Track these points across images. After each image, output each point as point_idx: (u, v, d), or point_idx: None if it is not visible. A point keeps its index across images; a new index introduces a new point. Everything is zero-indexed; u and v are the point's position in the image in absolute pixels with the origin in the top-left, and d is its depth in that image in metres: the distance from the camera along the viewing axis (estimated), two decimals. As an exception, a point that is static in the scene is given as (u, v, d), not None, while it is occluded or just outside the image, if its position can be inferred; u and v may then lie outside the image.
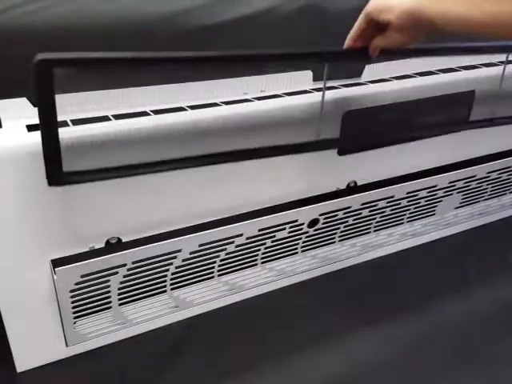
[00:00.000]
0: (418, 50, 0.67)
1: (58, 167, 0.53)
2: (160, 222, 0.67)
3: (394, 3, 0.54)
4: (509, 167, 0.97)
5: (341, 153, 0.77)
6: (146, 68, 0.55)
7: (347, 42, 0.61)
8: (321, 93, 0.73)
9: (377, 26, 0.57)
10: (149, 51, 0.68)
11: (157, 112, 0.63)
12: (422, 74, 0.82)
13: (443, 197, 0.91)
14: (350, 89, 0.75)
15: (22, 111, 0.62)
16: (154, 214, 0.66)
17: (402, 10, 0.53)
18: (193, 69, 0.57)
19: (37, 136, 0.55)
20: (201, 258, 0.71)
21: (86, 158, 0.56)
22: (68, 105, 0.52)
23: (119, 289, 0.66)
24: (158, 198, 0.65)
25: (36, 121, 0.58)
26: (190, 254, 0.69)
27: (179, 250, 0.67)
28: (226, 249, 0.72)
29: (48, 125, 0.50)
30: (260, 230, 0.73)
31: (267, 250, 0.77)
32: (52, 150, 0.51)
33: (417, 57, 0.73)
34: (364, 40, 0.60)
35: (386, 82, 0.79)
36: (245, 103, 0.68)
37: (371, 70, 0.81)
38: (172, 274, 0.70)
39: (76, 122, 0.57)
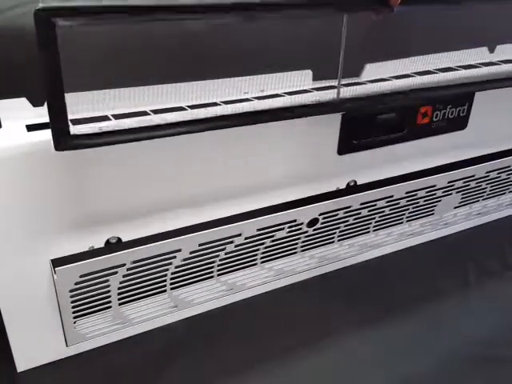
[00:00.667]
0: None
1: (64, 128, 0.50)
2: (160, 221, 0.67)
3: None
4: (508, 167, 0.97)
5: (340, 152, 0.77)
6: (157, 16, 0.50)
7: None
8: (321, 92, 0.73)
9: None
10: (149, 51, 0.68)
11: (156, 111, 0.63)
12: (421, 74, 0.82)
13: (442, 196, 0.91)
14: (349, 88, 0.75)
15: (22, 111, 0.62)
16: (154, 214, 0.66)
17: None
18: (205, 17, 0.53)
19: (36, 136, 0.56)
20: (200, 258, 0.71)
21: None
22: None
23: (119, 288, 0.66)
24: (159, 198, 0.65)
25: (35, 121, 0.59)
26: (190, 253, 0.69)
27: (179, 250, 0.68)
28: (225, 248, 0.72)
29: (53, 78, 0.47)
30: (259, 230, 0.73)
31: (266, 249, 0.77)
32: (58, 108, 0.49)
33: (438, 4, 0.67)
34: None
35: (385, 81, 0.79)
36: (245, 102, 0.68)
37: (370, 70, 0.81)
38: (172, 273, 0.70)
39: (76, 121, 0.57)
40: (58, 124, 0.49)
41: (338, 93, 0.67)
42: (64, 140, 0.50)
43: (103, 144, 0.54)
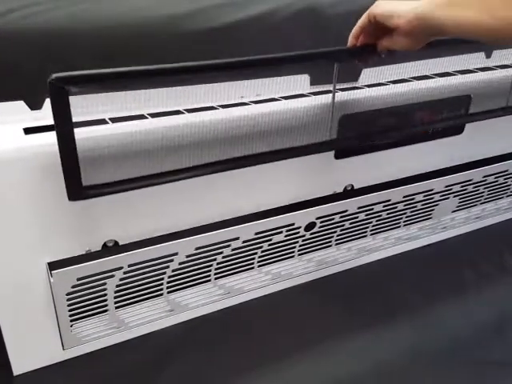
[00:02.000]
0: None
1: (77, 182, 0.53)
2: (157, 224, 0.67)
3: (404, 9, 0.54)
4: (505, 171, 0.97)
5: (338, 156, 0.77)
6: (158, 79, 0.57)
7: (350, 40, 0.62)
8: (319, 96, 0.73)
9: (383, 28, 0.57)
10: (150, 55, 0.68)
11: (154, 115, 0.63)
12: (418, 78, 0.83)
13: (440, 200, 0.91)
14: (346, 93, 0.76)
15: (20, 114, 0.62)
16: (151, 218, 0.66)
17: (414, 16, 0.53)
18: (203, 76, 0.59)
19: (34, 139, 0.56)
20: (197, 262, 0.71)
21: (102, 171, 0.57)
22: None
23: (115, 292, 0.66)
24: (157, 201, 0.65)
25: (33, 124, 0.59)
26: (187, 257, 0.69)
27: (176, 254, 0.68)
28: (222, 252, 0.72)
29: (66, 142, 0.51)
30: (256, 234, 0.74)
31: (264, 253, 0.77)
32: (71, 165, 0.52)
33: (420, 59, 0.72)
34: (366, 38, 0.60)
35: (382, 86, 0.79)
36: (242, 106, 0.68)
37: (368, 74, 0.82)
38: (168, 277, 0.70)
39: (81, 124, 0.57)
40: (72, 178, 0.53)
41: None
42: (77, 192, 0.54)
43: (112, 192, 0.57)
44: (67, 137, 0.50)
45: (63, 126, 0.50)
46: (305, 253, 0.82)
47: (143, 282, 0.68)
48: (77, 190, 0.53)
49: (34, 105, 0.63)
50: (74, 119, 0.51)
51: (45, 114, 0.63)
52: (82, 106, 0.53)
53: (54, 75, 0.49)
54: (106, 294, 0.66)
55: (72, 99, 0.50)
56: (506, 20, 0.46)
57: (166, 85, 0.65)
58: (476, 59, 0.94)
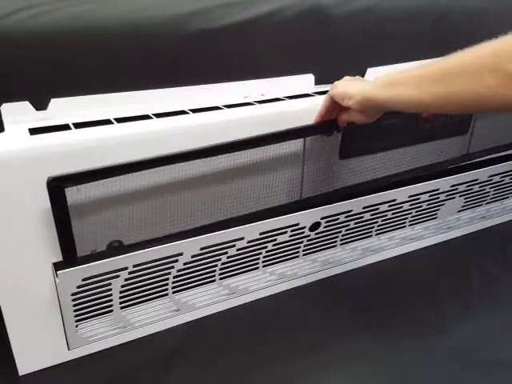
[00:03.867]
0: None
1: (72, 257, 0.61)
2: (162, 224, 0.67)
3: (354, 91, 0.62)
4: (511, 170, 0.97)
5: (342, 156, 0.77)
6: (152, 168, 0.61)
7: (317, 119, 0.70)
8: (323, 96, 0.73)
9: (341, 106, 0.65)
10: (152, 55, 0.68)
11: (159, 115, 0.63)
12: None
13: (445, 200, 0.91)
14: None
15: (25, 115, 0.62)
16: (155, 217, 0.66)
17: (361, 98, 0.61)
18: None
19: (39, 139, 0.56)
20: (202, 262, 0.71)
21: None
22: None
23: (121, 292, 0.66)
24: (161, 200, 0.65)
25: (38, 124, 0.59)
26: (192, 257, 0.69)
27: (181, 254, 0.68)
28: (227, 252, 0.72)
29: (64, 231, 0.58)
30: (261, 234, 0.73)
31: (268, 253, 0.77)
32: (68, 247, 0.60)
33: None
34: (331, 115, 0.69)
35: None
36: (247, 106, 0.68)
37: (372, 74, 0.81)
38: (173, 277, 0.70)
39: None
40: (68, 256, 0.61)
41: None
42: (72, 262, 0.61)
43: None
44: (65, 223, 0.58)
45: (61, 214, 0.57)
46: (310, 253, 0.82)
47: (148, 282, 0.68)
48: (72, 261, 0.61)
49: (39, 105, 0.64)
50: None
51: (50, 115, 0.63)
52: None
53: (51, 176, 0.55)
54: (111, 295, 0.66)
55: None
56: (436, 94, 0.52)
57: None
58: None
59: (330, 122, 0.69)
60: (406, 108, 0.59)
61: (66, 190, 0.56)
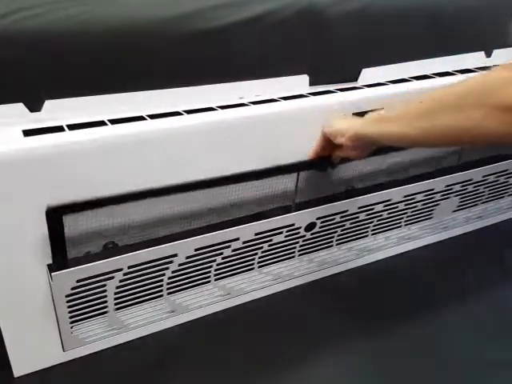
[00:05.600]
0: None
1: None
2: (156, 225, 0.67)
3: (345, 128, 0.65)
4: (506, 170, 0.97)
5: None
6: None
7: (311, 156, 0.73)
8: (318, 96, 0.73)
9: (334, 143, 0.69)
10: (147, 56, 0.68)
11: (153, 117, 0.63)
12: (418, 78, 0.82)
13: (440, 200, 0.91)
14: (346, 93, 0.76)
15: (19, 117, 0.62)
16: (149, 218, 0.66)
17: (353, 134, 0.64)
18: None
19: (33, 141, 0.56)
20: (197, 263, 0.71)
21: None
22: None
23: (115, 293, 0.66)
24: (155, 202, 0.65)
25: (32, 126, 0.59)
26: (186, 258, 0.69)
27: (175, 255, 0.68)
28: (222, 253, 0.72)
29: (59, 259, 0.61)
30: (256, 234, 0.73)
31: (264, 254, 0.77)
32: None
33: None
34: (325, 152, 0.72)
35: (382, 85, 0.79)
36: (241, 107, 0.68)
37: (367, 74, 0.81)
38: (168, 278, 0.70)
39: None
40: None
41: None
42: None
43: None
44: (60, 250, 0.60)
45: (58, 236, 0.59)
46: (305, 253, 0.82)
47: (143, 283, 0.68)
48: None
49: (34, 107, 0.63)
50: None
51: (44, 117, 0.63)
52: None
53: (48, 206, 0.57)
54: (105, 296, 0.66)
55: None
56: (423, 129, 0.54)
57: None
58: (476, 58, 0.94)
59: (324, 158, 0.73)
60: (395, 143, 0.63)
61: (63, 217, 0.58)
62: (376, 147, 0.68)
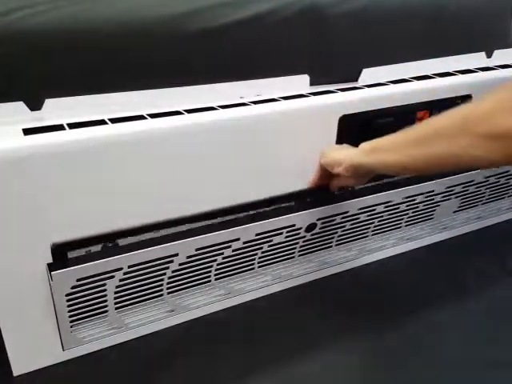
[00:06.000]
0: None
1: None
2: (156, 225, 0.67)
3: (342, 158, 0.67)
4: (506, 171, 0.97)
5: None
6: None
7: (310, 185, 0.76)
8: (318, 96, 0.73)
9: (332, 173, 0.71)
10: (147, 55, 0.68)
11: (153, 116, 0.63)
12: (418, 78, 0.82)
13: (441, 201, 0.91)
14: (346, 93, 0.76)
15: (19, 115, 0.62)
16: (150, 218, 0.66)
17: (349, 164, 0.66)
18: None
19: (33, 140, 0.56)
20: (198, 262, 0.71)
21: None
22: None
23: (115, 293, 0.66)
24: (155, 203, 0.65)
25: (32, 125, 0.59)
26: (187, 258, 0.69)
27: (176, 254, 0.67)
28: (223, 253, 0.72)
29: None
30: (257, 235, 0.73)
31: (264, 254, 0.77)
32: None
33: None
34: (323, 181, 0.75)
35: (382, 85, 0.79)
36: (241, 107, 0.68)
37: (368, 74, 0.81)
38: (169, 277, 0.70)
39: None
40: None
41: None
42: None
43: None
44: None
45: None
46: (305, 253, 0.82)
47: (143, 282, 0.68)
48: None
49: (34, 106, 0.63)
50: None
51: (44, 115, 0.63)
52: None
53: (53, 242, 0.59)
54: (105, 295, 0.66)
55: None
56: (415, 157, 0.57)
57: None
58: (477, 59, 0.94)
59: (323, 187, 0.75)
60: (390, 171, 0.66)
61: (68, 253, 0.62)
62: (373, 175, 0.71)
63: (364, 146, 0.65)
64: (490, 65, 0.89)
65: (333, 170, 0.69)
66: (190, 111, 0.65)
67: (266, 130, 0.69)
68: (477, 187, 0.94)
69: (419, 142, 0.57)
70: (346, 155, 0.67)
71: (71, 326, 0.66)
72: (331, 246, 0.84)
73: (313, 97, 0.73)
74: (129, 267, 0.65)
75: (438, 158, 0.55)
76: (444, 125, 0.54)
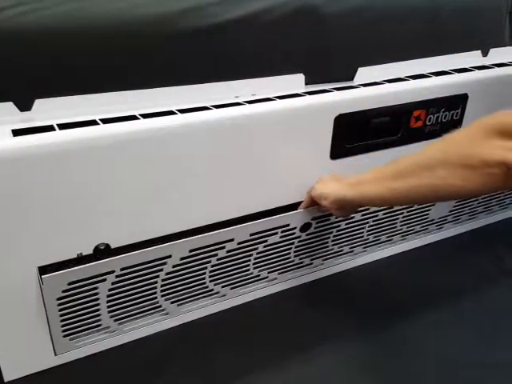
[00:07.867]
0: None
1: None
2: (150, 226, 0.66)
3: (328, 192, 0.70)
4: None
5: (333, 156, 0.76)
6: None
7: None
8: (314, 96, 0.72)
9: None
10: (141, 54, 0.67)
11: (146, 116, 0.62)
12: (414, 77, 0.82)
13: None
14: (342, 92, 0.75)
15: (8, 116, 0.61)
16: (143, 219, 0.65)
17: (334, 198, 0.69)
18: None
19: (23, 141, 0.55)
20: (191, 264, 0.70)
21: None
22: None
23: (108, 296, 0.65)
24: (148, 203, 0.64)
25: (22, 125, 0.58)
26: (181, 259, 0.68)
27: (169, 256, 0.66)
28: (217, 254, 0.71)
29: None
30: (252, 235, 0.73)
31: (259, 255, 0.76)
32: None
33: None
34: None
35: (378, 85, 0.79)
36: (236, 106, 0.67)
37: (364, 73, 0.81)
38: (162, 280, 0.69)
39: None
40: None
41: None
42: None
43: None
44: None
45: None
46: (301, 254, 0.81)
47: (137, 285, 0.67)
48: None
49: (24, 106, 0.62)
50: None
51: (34, 116, 0.62)
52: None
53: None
54: (98, 299, 0.65)
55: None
56: (396, 190, 0.60)
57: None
58: (473, 58, 0.94)
59: None
60: (373, 203, 0.71)
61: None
62: (358, 208, 0.75)
63: (348, 180, 0.69)
64: (486, 63, 0.89)
65: (320, 203, 0.72)
66: (183, 111, 0.64)
67: (260, 130, 0.68)
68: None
69: (400, 175, 0.59)
70: (332, 189, 0.70)
71: (63, 331, 0.65)
72: (327, 246, 0.83)
73: (308, 96, 0.72)
74: (121, 270, 0.64)
75: (418, 191, 0.57)
76: (424, 157, 0.57)
